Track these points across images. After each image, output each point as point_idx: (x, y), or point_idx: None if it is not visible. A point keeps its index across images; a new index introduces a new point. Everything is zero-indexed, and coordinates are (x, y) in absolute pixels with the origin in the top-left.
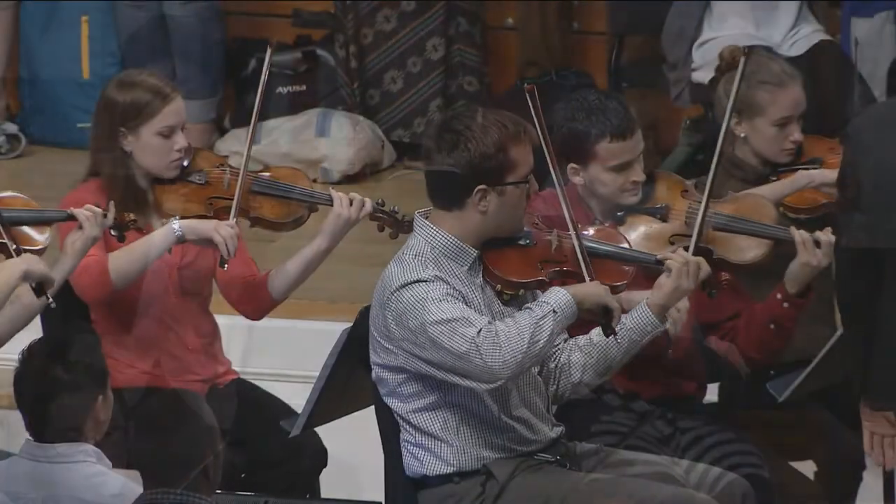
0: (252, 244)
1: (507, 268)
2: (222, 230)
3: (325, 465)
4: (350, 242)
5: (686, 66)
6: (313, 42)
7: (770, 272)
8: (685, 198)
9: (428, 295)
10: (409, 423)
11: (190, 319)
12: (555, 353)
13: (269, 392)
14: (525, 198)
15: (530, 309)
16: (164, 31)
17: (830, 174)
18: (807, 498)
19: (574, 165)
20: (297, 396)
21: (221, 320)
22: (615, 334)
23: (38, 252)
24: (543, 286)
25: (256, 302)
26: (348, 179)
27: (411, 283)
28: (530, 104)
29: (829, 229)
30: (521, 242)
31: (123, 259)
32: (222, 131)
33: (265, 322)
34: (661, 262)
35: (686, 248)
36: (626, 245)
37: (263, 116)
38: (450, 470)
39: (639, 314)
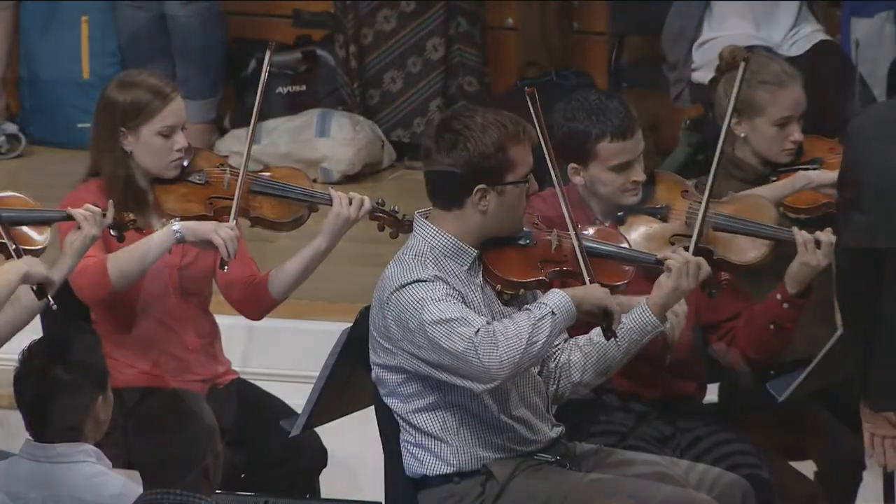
0: (252, 244)
1: (506, 267)
2: (222, 232)
3: (325, 465)
4: (350, 242)
5: (686, 67)
6: (313, 42)
7: (770, 272)
8: (685, 198)
9: (427, 295)
10: (408, 423)
11: (190, 319)
12: (555, 353)
13: (269, 392)
14: (525, 197)
15: (529, 310)
16: (164, 31)
17: (830, 174)
18: (807, 498)
19: (574, 165)
20: (297, 396)
21: (221, 320)
22: (615, 337)
23: (38, 252)
24: (543, 286)
25: (257, 302)
26: (348, 179)
27: (411, 283)
28: (531, 108)
29: (829, 229)
30: (521, 242)
31: (122, 260)
32: (222, 131)
33: (265, 322)
34: (661, 262)
35: (686, 249)
36: (626, 245)
37: (263, 116)
38: (450, 470)
39: (639, 314)
